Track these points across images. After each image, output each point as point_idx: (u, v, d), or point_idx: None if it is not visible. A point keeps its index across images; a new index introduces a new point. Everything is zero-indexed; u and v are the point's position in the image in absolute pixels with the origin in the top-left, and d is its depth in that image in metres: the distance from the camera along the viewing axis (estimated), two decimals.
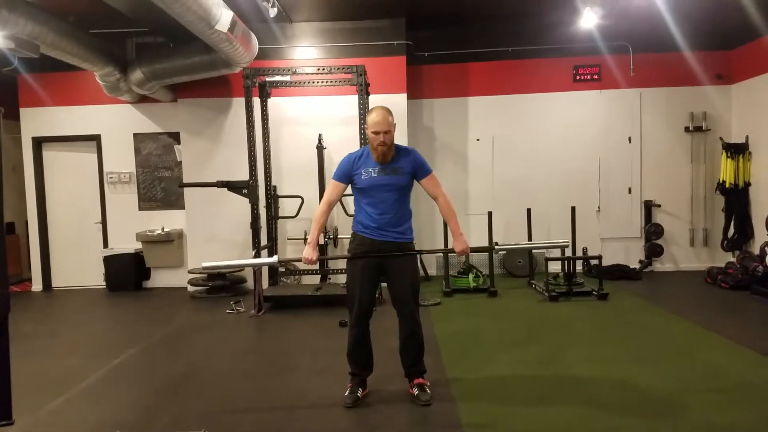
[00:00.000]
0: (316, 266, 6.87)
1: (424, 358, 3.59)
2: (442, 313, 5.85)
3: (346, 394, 3.49)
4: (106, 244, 7.81)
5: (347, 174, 3.47)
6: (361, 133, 6.16)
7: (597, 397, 3.47)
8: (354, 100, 6.40)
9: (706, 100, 7.77)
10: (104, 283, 7.73)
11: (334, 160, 7.16)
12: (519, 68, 7.82)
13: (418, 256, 3.68)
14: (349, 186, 3.54)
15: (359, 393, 3.50)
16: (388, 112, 3.44)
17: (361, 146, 6.14)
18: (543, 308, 5.97)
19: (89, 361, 4.54)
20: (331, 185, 3.52)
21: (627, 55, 7.62)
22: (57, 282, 7.98)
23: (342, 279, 6.78)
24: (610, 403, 3.37)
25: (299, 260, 3.40)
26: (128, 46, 6.75)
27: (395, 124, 3.45)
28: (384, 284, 3.56)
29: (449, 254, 6.74)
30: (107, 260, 7.60)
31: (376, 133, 3.35)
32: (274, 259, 3.71)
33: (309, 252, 3.37)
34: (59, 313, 6.77)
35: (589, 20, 6.57)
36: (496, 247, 3.83)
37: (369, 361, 3.61)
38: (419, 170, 3.49)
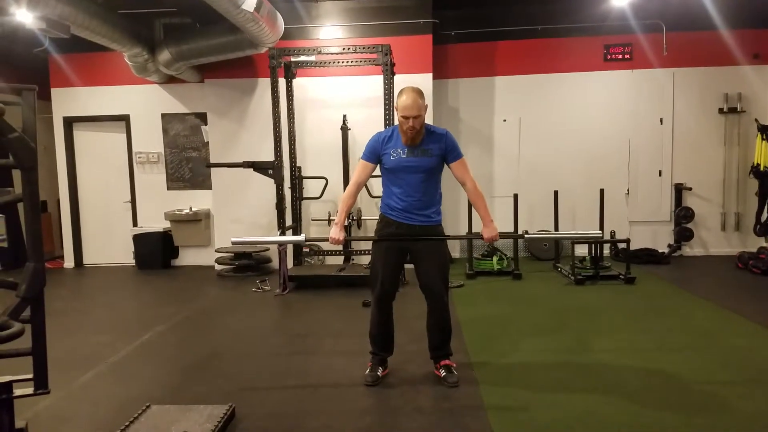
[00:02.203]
0: (340, 246, 6.90)
1: (450, 342, 3.58)
2: (466, 295, 5.85)
3: (367, 372, 3.52)
4: (135, 223, 7.96)
5: (376, 153, 3.42)
6: (386, 115, 6.13)
7: (621, 383, 3.43)
8: (379, 80, 6.36)
9: (742, 80, 7.54)
10: (133, 261, 7.89)
11: (358, 141, 7.16)
12: (548, 47, 7.67)
13: (445, 241, 3.63)
14: (378, 167, 3.50)
15: (380, 372, 3.52)
16: (419, 94, 3.32)
17: (385, 128, 6.12)
18: (568, 292, 5.92)
19: (118, 337, 4.66)
20: (360, 165, 3.49)
21: (660, 33, 7.42)
22: (88, 259, 8.17)
23: (365, 260, 6.80)
24: (633, 389, 3.33)
25: (326, 240, 3.41)
26: (156, 26, 6.79)
27: (426, 106, 3.35)
28: (411, 266, 3.52)
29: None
30: (136, 239, 7.75)
31: (406, 117, 3.25)
32: (301, 237, 3.74)
33: (336, 231, 3.38)
34: (90, 291, 6.95)
35: None
36: (526, 236, 3.72)
37: (390, 342, 3.62)
38: (450, 153, 3.41)
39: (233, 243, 3.66)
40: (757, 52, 7.48)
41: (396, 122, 3.53)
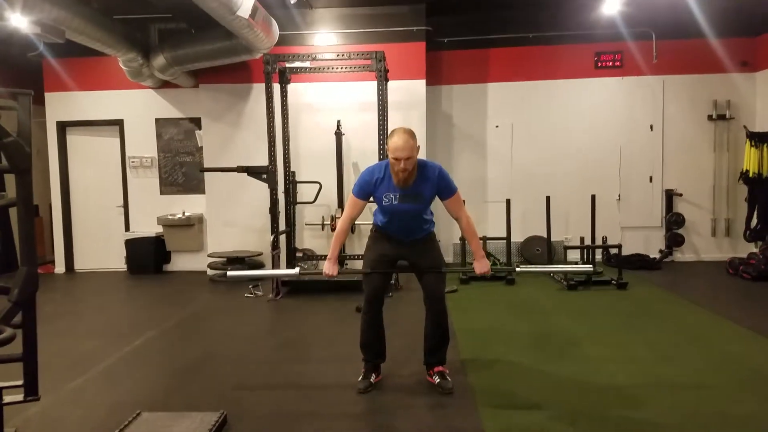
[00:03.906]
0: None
1: (446, 349, 3.57)
2: (459, 300, 5.86)
3: (360, 379, 3.52)
4: (127, 228, 7.94)
5: (368, 193, 3.40)
6: (379, 120, 6.16)
7: (614, 388, 3.45)
8: (373, 86, 6.40)
9: (731, 87, 7.63)
10: (125, 266, 7.87)
11: (352, 146, 7.20)
12: (540, 54, 7.74)
13: (437, 240, 3.69)
14: None
15: (372, 379, 3.52)
16: (411, 135, 3.22)
17: (378, 134, 6.15)
18: (561, 297, 5.95)
19: (109, 342, 4.64)
20: (351, 201, 3.44)
21: (649, 41, 7.50)
22: (79, 264, 8.14)
23: (359, 265, 6.81)
24: (627, 394, 3.35)
25: (319, 273, 3.46)
26: (151, 31, 6.80)
27: (418, 147, 3.28)
28: (404, 273, 3.54)
29: (465, 241, 6.74)
30: (129, 243, 7.73)
31: (397, 159, 3.17)
32: (296, 270, 3.75)
33: (329, 267, 3.43)
34: (81, 295, 6.91)
35: (611, 6, 6.48)
36: (517, 269, 3.67)
37: (381, 348, 3.62)
38: (443, 191, 3.37)
39: (230, 277, 3.71)
40: (745, 60, 7.58)
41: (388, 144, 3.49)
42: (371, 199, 3.42)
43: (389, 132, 3.39)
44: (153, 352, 4.47)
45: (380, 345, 3.61)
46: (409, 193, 3.31)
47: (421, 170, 3.33)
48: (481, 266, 3.43)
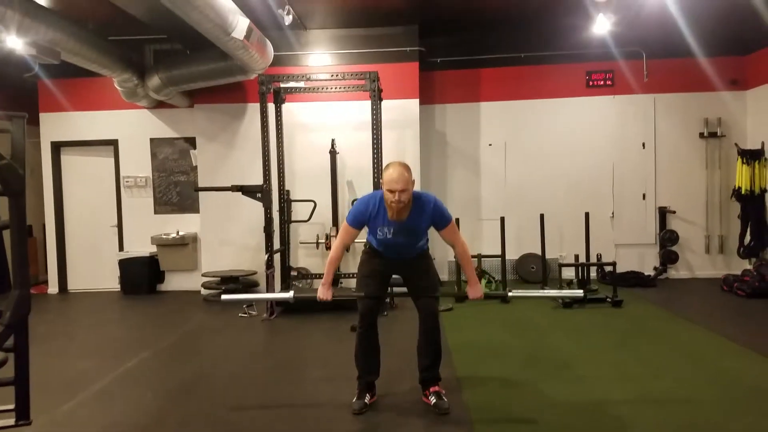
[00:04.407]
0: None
1: (439, 365, 3.56)
2: (454, 319, 5.85)
3: (354, 400, 3.49)
4: (121, 248, 7.91)
5: (361, 222, 3.43)
6: (373, 139, 6.20)
7: (611, 405, 3.45)
8: (367, 105, 6.44)
9: (721, 105, 7.71)
10: (119, 286, 7.82)
11: (346, 164, 7.23)
12: (531, 74, 7.82)
13: (431, 257, 3.72)
14: None
15: (367, 399, 3.49)
16: (406, 168, 3.25)
17: (373, 152, 6.18)
18: (556, 315, 5.94)
19: (103, 363, 4.60)
20: (345, 229, 3.46)
21: (640, 60, 7.60)
22: (73, 285, 8.09)
23: (354, 283, 6.80)
24: (623, 412, 3.35)
25: (313, 298, 3.50)
26: (146, 52, 6.85)
27: (413, 181, 3.30)
28: (399, 289, 3.56)
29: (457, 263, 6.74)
30: (122, 263, 7.69)
31: (392, 191, 3.19)
32: (290, 294, 3.75)
33: (323, 292, 3.49)
34: (74, 316, 6.86)
35: (601, 26, 6.56)
36: (509, 294, 3.67)
37: (375, 364, 3.59)
38: (439, 222, 3.41)
39: (224, 300, 3.74)
40: (734, 79, 7.67)
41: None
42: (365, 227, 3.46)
43: (384, 164, 3.44)
44: (146, 373, 4.43)
45: (375, 360, 3.59)
46: (403, 226, 3.34)
47: (416, 202, 3.34)
48: (475, 292, 3.49)
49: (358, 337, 3.55)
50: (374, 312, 3.52)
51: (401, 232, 3.35)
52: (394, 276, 3.61)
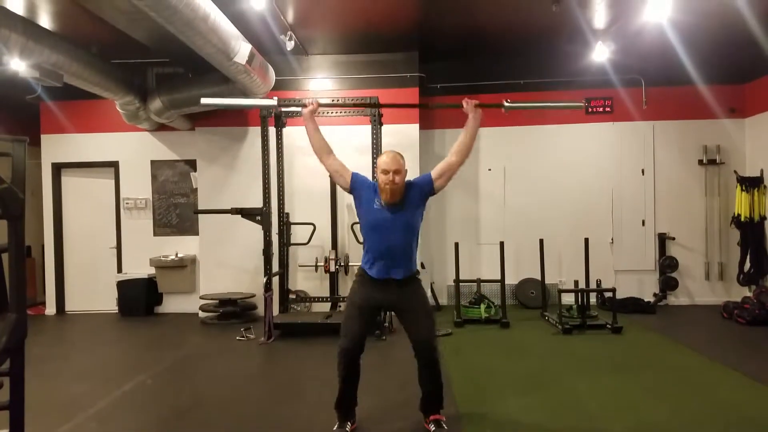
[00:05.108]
0: (327, 293, 6.91)
1: (441, 394, 3.49)
2: (454, 344, 5.80)
3: (335, 428, 3.41)
4: (120, 269, 7.89)
5: (357, 179, 3.49)
6: (373, 163, 6.22)
7: None
8: (367, 130, 6.48)
9: (720, 133, 7.76)
10: (117, 308, 7.78)
11: None
12: (531, 100, 7.87)
13: (422, 283, 3.63)
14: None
15: (348, 428, 3.43)
16: (399, 155, 3.40)
17: (372, 176, 6.19)
18: (556, 341, 5.90)
19: (99, 386, 4.56)
20: (344, 164, 3.57)
21: (639, 87, 7.67)
22: (70, 306, 8.04)
23: None
24: None
25: (299, 112, 3.56)
26: (148, 76, 6.90)
27: (407, 171, 3.37)
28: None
29: (460, 283, 6.74)
30: (120, 285, 7.66)
31: (386, 171, 3.27)
32: (273, 101, 4.09)
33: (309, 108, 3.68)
34: (71, 338, 6.82)
35: (600, 54, 6.64)
36: (506, 104, 3.71)
37: (351, 403, 3.49)
38: (424, 180, 3.45)
39: (202, 103, 3.81)
40: (733, 107, 7.73)
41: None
42: (352, 192, 3.48)
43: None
44: (143, 396, 4.39)
45: (351, 399, 3.49)
46: (395, 207, 3.34)
47: (408, 185, 3.40)
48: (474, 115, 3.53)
49: (342, 371, 3.41)
50: (355, 352, 3.37)
51: (393, 211, 3.32)
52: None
